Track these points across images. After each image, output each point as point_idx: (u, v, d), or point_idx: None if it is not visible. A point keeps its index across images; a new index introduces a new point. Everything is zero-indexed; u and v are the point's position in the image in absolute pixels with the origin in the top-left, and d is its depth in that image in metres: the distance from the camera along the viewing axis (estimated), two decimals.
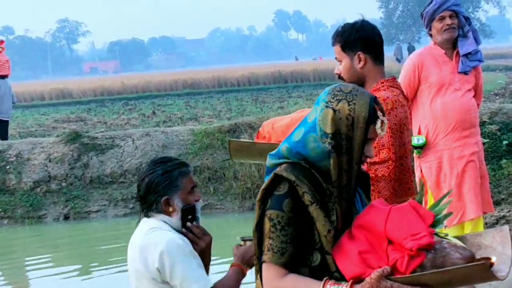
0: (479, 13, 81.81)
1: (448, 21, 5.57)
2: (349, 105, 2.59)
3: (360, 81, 3.71)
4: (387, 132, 3.58)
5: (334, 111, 2.59)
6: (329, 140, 2.57)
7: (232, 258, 3.49)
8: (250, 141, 4.05)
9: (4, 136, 15.20)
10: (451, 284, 2.46)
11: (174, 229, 3.32)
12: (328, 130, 2.57)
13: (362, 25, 3.75)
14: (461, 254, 2.41)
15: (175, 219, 3.32)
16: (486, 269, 2.37)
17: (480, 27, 75.48)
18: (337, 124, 2.58)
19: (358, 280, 2.41)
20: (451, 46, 5.67)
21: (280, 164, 2.60)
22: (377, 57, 3.79)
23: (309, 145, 2.59)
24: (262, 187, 2.58)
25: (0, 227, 12.30)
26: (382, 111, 2.64)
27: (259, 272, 2.60)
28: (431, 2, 5.68)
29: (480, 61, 5.75)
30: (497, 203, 9.49)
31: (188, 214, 3.33)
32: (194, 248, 3.30)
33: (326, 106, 2.61)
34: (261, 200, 2.59)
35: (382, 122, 2.63)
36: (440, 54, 5.67)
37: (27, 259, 10.52)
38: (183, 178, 3.32)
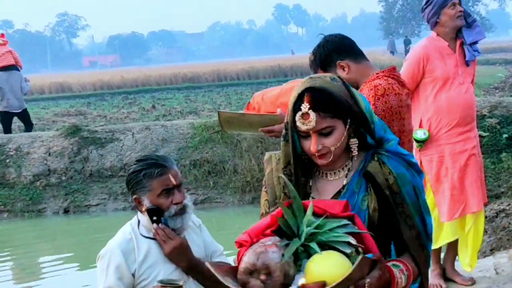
0: (479, 6, 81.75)
1: (459, 7, 5.56)
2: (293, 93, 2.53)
3: (355, 86, 3.67)
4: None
5: None
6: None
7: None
8: (240, 112, 4.04)
9: (8, 129, 15.21)
10: None
11: (140, 232, 3.33)
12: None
13: (325, 40, 3.83)
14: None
15: (146, 218, 3.29)
16: None
17: (480, 20, 75.38)
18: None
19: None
20: (454, 36, 5.66)
21: None
22: (356, 56, 3.80)
23: None
24: None
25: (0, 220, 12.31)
26: (311, 103, 2.43)
27: None
28: None
29: (479, 52, 5.75)
30: (496, 197, 9.49)
31: (153, 215, 3.26)
32: (163, 250, 3.27)
33: None
34: None
35: (303, 114, 2.44)
36: (443, 46, 5.65)
37: (26, 252, 10.53)
38: (150, 180, 3.23)
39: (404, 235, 2.52)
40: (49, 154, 12.99)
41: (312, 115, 2.42)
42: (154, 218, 3.26)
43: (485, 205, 6.08)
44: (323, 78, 2.51)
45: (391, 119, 3.59)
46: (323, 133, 2.46)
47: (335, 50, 3.76)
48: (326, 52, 3.76)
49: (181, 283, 3.02)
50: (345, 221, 2.28)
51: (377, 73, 3.74)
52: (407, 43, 53.32)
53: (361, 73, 3.75)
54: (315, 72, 3.74)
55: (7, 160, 13.00)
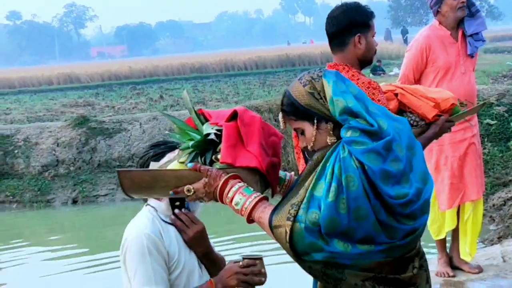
0: None
1: None
2: None
3: (367, 60, 3.89)
4: None
5: None
6: None
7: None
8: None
9: None
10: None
11: (161, 217, 3.19)
12: None
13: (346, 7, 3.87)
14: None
15: (164, 204, 3.20)
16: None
17: (489, 8, 75.12)
18: None
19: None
20: (456, 26, 5.64)
21: None
22: (331, 47, 3.89)
23: None
24: None
25: (9, 211, 12.37)
26: (281, 107, 2.73)
27: None
28: None
29: (483, 40, 5.72)
30: (504, 185, 9.47)
31: (176, 200, 3.19)
32: (183, 237, 3.19)
33: None
34: None
35: (281, 115, 2.74)
36: (446, 35, 5.63)
37: (35, 242, 10.58)
38: (156, 163, 3.15)
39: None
40: (58, 145, 13.03)
41: (280, 117, 2.73)
42: (177, 203, 3.20)
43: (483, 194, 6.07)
44: (296, 82, 2.70)
45: None
46: (299, 132, 2.72)
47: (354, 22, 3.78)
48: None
49: (261, 255, 3.07)
50: None
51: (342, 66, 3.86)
52: (404, 32, 53.40)
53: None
54: (329, 33, 3.85)
55: (16, 151, 13.04)
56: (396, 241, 2.54)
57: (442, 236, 5.79)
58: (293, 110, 2.68)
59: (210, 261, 3.26)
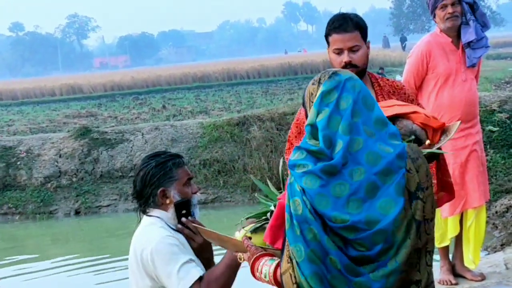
0: (489, 0, 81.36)
1: (449, 9, 5.52)
2: None
3: (366, 68, 3.75)
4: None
5: None
6: None
7: None
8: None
9: None
10: None
11: (169, 225, 3.25)
12: None
13: (360, 17, 3.79)
14: None
15: (169, 213, 3.26)
16: None
17: (491, 15, 75.08)
18: None
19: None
20: (457, 33, 5.63)
21: None
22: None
23: None
24: (427, 163, 2.71)
25: (11, 222, 12.37)
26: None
27: None
28: None
29: (486, 47, 5.70)
30: (507, 192, 9.45)
31: (182, 208, 3.25)
32: (191, 244, 3.24)
33: None
34: None
35: None
36: (447, 42, 5.63)
37: (38, 254, 10.58)
38: (177, 168, 3.27)
39: None
40: (60, 156, 13.05)
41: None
42: (183, 211, 3.25)
43: (487, 202, 6.05)
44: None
45: None
46: None
47: (366, 29, 3.76)
48: (366, 26, 3.74)
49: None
50: None
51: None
52: (403, 40, 53.69)
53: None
54: (349, 30, 3.68)
55: (18, 163, 13.06)
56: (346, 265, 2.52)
57: (445, 244, 5.77)
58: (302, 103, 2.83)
59: (210, 264, 3.31)
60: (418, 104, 3.78)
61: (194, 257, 3.20)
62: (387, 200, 2.51)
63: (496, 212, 8.80)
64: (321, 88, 2.67)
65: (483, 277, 5.75)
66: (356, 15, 3.77)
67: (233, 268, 3.15)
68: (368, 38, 3.78)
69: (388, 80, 3.83)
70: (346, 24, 3.67)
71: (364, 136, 2.56)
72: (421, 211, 2.54)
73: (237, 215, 11.79)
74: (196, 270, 3.09)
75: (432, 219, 2.59)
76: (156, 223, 3.24)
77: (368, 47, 3.73)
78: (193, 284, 3.06)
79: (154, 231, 3.20)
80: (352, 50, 3.69)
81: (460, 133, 5.57)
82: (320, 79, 2.71)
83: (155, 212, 3.29)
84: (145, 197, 3.30)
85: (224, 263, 3.14)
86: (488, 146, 10.46)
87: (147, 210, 3.31)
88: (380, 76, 3.89)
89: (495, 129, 10.84)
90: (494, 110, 11.10)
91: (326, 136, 2.56)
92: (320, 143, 2.56)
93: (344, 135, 2.55)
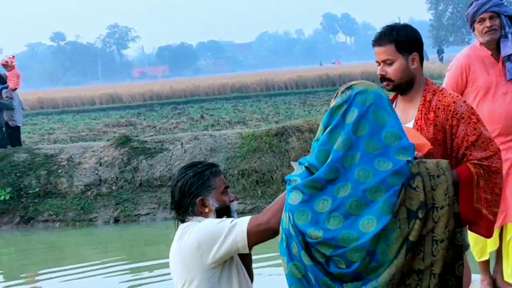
0: None
1: (487, 23, 5.50)
2: None
3: (411, 82, 3.70)
4: (484, 126, 3.59)
5: None
6: None
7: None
8: None
9: (18, 142, 15.31)
10: None
11: None
12: None
13: (412, 27, 3.77)
14: None
15: (211, 215, 3.31)
16: None
17: None
18: None
19: None
20: (496, 46, 5.59)
21: None
22: (422, 59, 3.79)
23: None
24: (451, 181, 2.68)
25: (52, 230, 12.52)
26: None
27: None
28: (471, 4, 5.63)
29: None
30: None
31: (223, 214, 3.30)
32: None
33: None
34: None
35: None
36: (486, 55, 5.59)
37: (78, 263, 10.65)
38: (214, 177, 3.33)
39: None
40: (100, 164, 13.18)
41: None
42: (224, 217, 3.29)
43: None
44: None
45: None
46: None
47: (418, 41, 3.75)
48: (411, 37, 3.72)
49: None
50: None
51: (428, 82, 3.79)
52: (440, 52, 53.30)
53: (420, 75, 3.75)
54: (383, 44, 3.70)
55: (59, 170, 13.22)
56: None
57: (485, 258, 5.72)
58: None
59: (249, 269, 3.36)
60: (471, 120, 3.65)
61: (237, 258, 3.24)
62: (371, 218, 2.48)
63: None
64: (333, 103, 2.68)
65: None
66: (401, 27, 3.74)
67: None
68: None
69: (445, 95, 3.71)
70: (381, 37, 3.71)
71: (363, 151, 2.53)
72: (418, 231, 2.46)
73: None
74: (247, 218, 3.16)
75: (443, 240, 2.48)
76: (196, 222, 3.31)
77: (413, 60, 3.71)
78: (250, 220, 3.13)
79: (197, 224, 3.26)
80: (386, 63, 3.70)
81: (501, 146, 5.52)
82: (337, 93, 2.73)
83: (196, 219, 3.33)
84: (184, 206, 3.34)
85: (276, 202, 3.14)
86: None
87: (186, 219, 3.35)
88: (442, 89, 3.81)
89: None
90: None
91: (323, 151, 2.59)
92: (313, 159, 2.57)
93: (337, 150, 2.56)
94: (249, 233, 3.06)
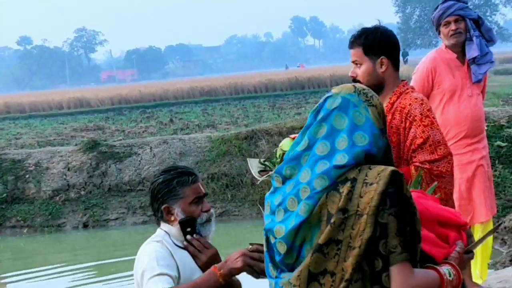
0: (496, 16, 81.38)
1: (453, 26, 5.57)
2: (377, 99, 2.70)
3: (380, 85, 3.72)
4: (437, 129, 3.63)
5: (376, 107, 2.67)
6: (384, 135, 2.65)
7: None
8: None
9: None
10: None
11: (173, 241, 3.24)
12: (381, 125, 2.64)
13: (385, 30, 3.77)
14: None
15: (175, 229, 3.26)
16: None
17: (498, 30, 75.07)
18: (383, 118, 2.67)
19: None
20: (462, 49, 5.66)
21: (347, 170, 2.58)
22: (396, 62, 3.81)
23: (376, 144, 2.60)
24: (380, 190, 2.50)
25: (20, 236, 12.39)
26: None
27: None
28: (437, 7, 5.70)
29: (491, 62, 5.72)
30: None
31: (187, 226, 3.24)
32: (196, 262, 3.23)
33: (369, 105, 2.65)
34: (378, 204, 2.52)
35: None
36: (452, 58, 5.66)
37: (46, 267, 10.57)
38: (183, 187, 3.25)
39: None
40: (68, 169, 13.08)
41: None
42: (188, 229, 3.24)
43: (494, 216, 6.04)
44: None
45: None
46: None
47: (388, 44, 3.74)
48: (379, 41, 3.71)
49: None
50: None
51: (403, 85, 3.83)
52: (404, 55, 54.01)
53: (392, 79, 3.78)
54: (352, 47, 3.76)
55: (27, 176, 13.09)
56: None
57: None
58: None
59: (227, 285, 3.23)
60: (422, 123, 3.70)
61: (175, 272, 3.14)
62: (293, 216, 2.59)
63: (505, 228, 8.78)
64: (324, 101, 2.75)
65: None
66: (372, 31, 3.76)
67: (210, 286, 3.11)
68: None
69: (406, 98, 3.77)
70: (352, 40, 3.77)
71: (313, 152, 2.60)
72: (328, 235, 2.49)
73: (245, 229, 11.86)
74: (162, 284, 3.03)
75: (355, 248, 2.45)
76: (156, 237, 3.29)
77: (381, 64, 3.72)
78: None
79: (149, 246, 3.24)
80: (356, 65, 3.74)
81: (467, 148, 5.61)
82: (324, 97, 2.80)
83: (164, 226, 3.31)
84: (154, 211, 3.34)
85: (205, 279, 3.11)
86: (496, 162, 10.44)
87: (160, 223, 3.34)
88: (410, 91, 3.84)
89: (503, 144, 10.84)
90: (503, 125, 11.10)
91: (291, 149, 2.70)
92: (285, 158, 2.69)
93: (297, 149, 2.66)
94: None
